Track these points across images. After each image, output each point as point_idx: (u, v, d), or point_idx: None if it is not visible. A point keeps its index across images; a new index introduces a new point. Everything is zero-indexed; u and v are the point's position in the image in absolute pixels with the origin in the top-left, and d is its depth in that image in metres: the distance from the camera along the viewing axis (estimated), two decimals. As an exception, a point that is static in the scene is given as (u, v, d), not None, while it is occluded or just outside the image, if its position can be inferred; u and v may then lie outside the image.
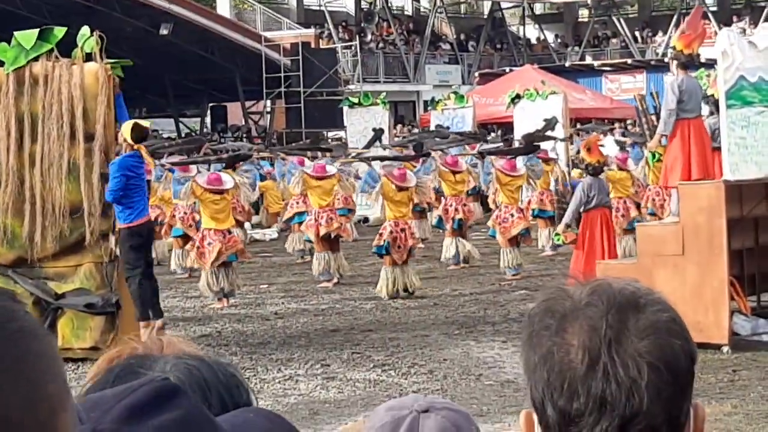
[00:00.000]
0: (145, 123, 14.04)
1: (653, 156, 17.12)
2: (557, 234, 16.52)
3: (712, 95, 14.18)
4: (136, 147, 12.93)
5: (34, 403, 1.12)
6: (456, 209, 20.11)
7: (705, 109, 15.53)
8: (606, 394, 1.62)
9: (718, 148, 12.84)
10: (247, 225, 25.20)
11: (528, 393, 1.72)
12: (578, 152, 19.18)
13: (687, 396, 1.67)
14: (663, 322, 1.66)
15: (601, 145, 16.55)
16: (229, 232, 16.69)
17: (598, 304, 1.66)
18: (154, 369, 1.66)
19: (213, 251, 16.08)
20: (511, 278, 18.36)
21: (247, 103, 43.00)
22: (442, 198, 20.91)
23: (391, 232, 16.97)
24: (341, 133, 38.32)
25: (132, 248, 13.06)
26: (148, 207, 14.20)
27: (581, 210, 15.69)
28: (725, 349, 11.85)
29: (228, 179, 16.82)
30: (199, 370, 1.68)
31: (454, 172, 20.56)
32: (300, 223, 20.86)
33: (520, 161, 20.55)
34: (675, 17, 47.71)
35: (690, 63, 13.53)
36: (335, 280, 18.33)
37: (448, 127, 29.51)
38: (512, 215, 18.98)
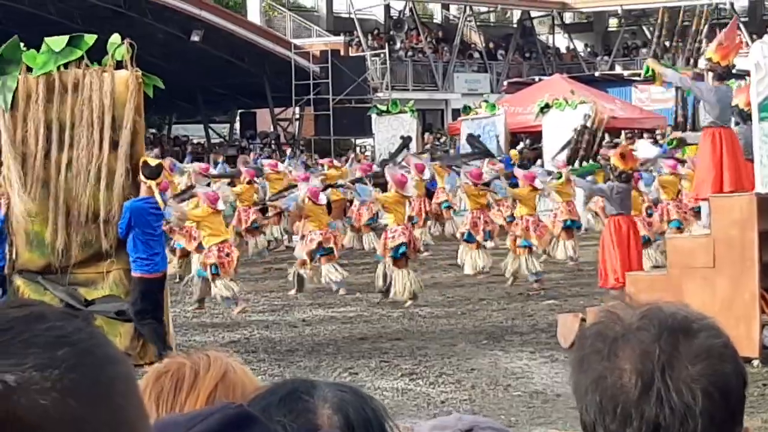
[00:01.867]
0: (155, 160, 13.63)
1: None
2: None
3: (737, 105, 14.12)
4: (148, 184, 12.42)
5: (118, 428, 1.12)
6: (485, 221, 20.14)
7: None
8: (660, 419, 1.61)
9: (750, 160, 12.77)
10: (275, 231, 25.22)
11: (577, 416, 1.71)
12: (608, 160, 19.11)
13: (738, 420, 1.66)
14: (716, 347, 1.65)
15: (634, 150, 16.50)
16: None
17: (649, 328, 1.66)
18: (316, 396, 1.69)
19: (233, 260, 16.33)
20: (537, 287, 18.29)
21: (276, 110, 43.08)
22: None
23: (403, 235, 17.14)
24: (369, 141, 38.42)
25: (145, 297, 12.47)
26: (166, 258, 13.52)
27: (597, 198, 15.79)
28: (755, 362, 11.77)
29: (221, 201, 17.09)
30: (350, 401, 1.71)
31: (477, 185, 20.64)
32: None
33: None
34: (705, 28, 47.49)
35: (726, 74, 13.48)
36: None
37: (479, 135, 29.47)
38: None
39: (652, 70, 14.80)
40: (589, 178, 19.55)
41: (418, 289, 17.04)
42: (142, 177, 12.45)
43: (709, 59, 13.56)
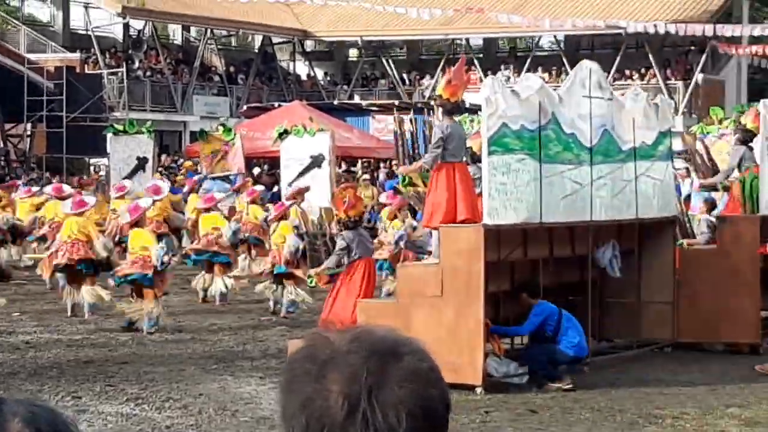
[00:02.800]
0: None
1: (403, 179, 17.32)
2: (310, 276, 16.43)
3: (470, 147, 14.48)
4: None
5: None
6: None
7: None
8: None
9: (480, 194, 13.10)
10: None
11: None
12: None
13: None
14: (422, 370, 1.66)
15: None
16: None
17: (359, 351, 1.65)
18: (5, 410, 1.63)
19: None
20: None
21: (7, 126, 41.81)
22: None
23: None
24: (104, 160, 37.70)
25: None
26: None
27: (344, 261, 15.20)
28: (479, 390, 12.06)
29: None
30: (41, 415, 1.64)
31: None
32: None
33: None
34: (442, 62, 48.74)
35: (455, 110, 13.80)
36: None
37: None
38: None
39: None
40: None
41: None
42: None
43: (439, 96, 13.84)
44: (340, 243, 14.76)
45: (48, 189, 23.29)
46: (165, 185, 23.06)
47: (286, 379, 1.69)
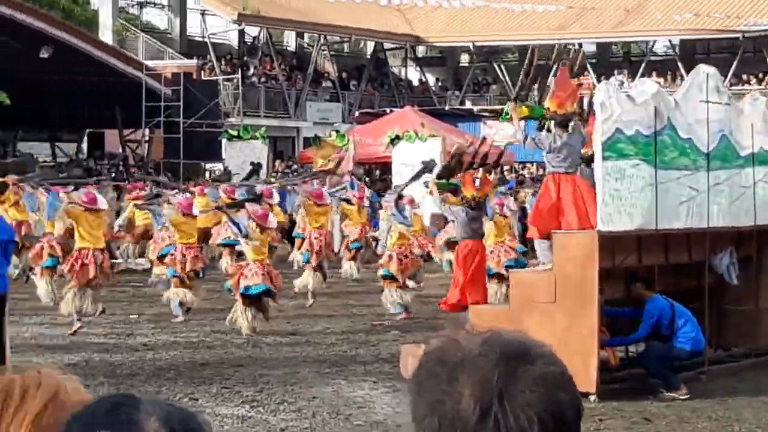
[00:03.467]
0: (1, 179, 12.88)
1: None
2: None
3: (585, 152, 14.42)
4: None
5: None
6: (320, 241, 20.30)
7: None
8: None
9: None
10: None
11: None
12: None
13: None
14: (552, 374, 1.67)
15: (477, 178, 16.64)
16: (103, 252, 16.89)
17: (489, 354, 1.67)
18: (141, 410, 1.68)
19: (89, 271, 16.24)
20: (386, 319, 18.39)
21: (126, 131, 42.52)
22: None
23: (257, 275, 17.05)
24: (219, 165, 38.18)
25: None
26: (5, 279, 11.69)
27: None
28: (592, 397, 11.98)
29: (102, 199, 17.26)
30: (176, 415, 1.70)
31: (319, 205, 20.76)
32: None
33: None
34: (555, 66, 48.47)
35: (567, 121, 13.68)
36: None
37: None
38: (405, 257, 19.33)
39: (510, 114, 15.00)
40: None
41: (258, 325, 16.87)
42: None
43: (548, 108, 13.82)
44: (462, 216, 15.48)
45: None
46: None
47: (416, 381, 1.71)
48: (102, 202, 17.28)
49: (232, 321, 16.58)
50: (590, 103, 14.45)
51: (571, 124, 13.66)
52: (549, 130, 14.02)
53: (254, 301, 16.58)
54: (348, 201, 24.48)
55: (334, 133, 33.86)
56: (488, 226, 19.13)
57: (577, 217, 13.18)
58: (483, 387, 1.64)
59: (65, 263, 16.97)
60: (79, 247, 16.73)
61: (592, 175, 13.33)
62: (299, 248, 22.11)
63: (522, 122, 14.83)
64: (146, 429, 1.65)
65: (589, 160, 14.17)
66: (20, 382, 2.01)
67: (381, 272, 19.17)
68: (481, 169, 17.96)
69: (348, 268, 23.40)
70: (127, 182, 32.78)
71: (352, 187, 26.95)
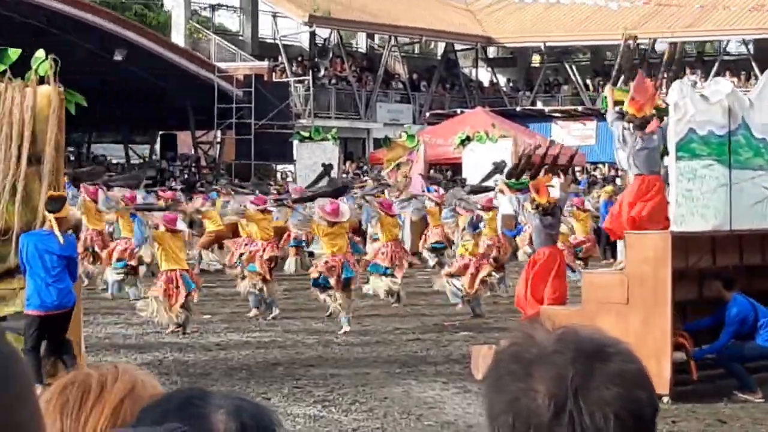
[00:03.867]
0: (58, 193, 12.82)
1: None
2: None
3: None
4: (48, 218, 11.70)
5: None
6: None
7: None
8: None
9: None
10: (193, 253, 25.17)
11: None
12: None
13: None
14: (630, 372, 1.66)
15: (551, 186, 16.57)
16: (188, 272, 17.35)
17: (565, 351, 1.66)
18: (210, 403, 1.70)
19: (181, 294, 16.59)
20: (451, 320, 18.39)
21: (198, 133, 42.87)
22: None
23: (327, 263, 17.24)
24: (290, 167, 38.36)
25: (26, 333, 11.71)
26: (67, 294, 12.00)
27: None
28: (666, 399, 11.89)
29: (181, 221, 17.69)
30: (245, 408, 1.71)
31: (390, 215, 20.70)
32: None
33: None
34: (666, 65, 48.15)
35: (645, 124, 13.60)
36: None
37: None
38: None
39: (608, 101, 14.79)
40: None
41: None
42: (44, 211, 11.83)
43: (626, 112, 13.75)
44: (537, 223, 15.40)
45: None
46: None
47: (491, 377, 1.71)
48: (181, 224, 17.49)
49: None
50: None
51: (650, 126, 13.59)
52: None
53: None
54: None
55: (404, 135, 33.86)
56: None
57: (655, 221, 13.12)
58: (558, 384, 1.64)
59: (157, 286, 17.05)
60: (166, 270, 16.89)
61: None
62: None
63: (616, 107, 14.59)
64: (215, 422, 1.66)
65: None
66: (98, 377, 2.04)
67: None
68: (558, 174, 17.89)
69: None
70: (199, 184, 33.07)
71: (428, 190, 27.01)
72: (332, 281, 17.05)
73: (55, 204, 11.83)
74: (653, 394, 1.70)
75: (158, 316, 16.59)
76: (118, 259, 20.83)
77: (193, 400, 1.70)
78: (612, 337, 1.72)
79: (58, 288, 11.80)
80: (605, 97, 14.83)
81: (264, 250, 18.76)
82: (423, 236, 25.49)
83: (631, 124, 13.58)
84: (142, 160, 46.03)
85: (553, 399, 1.63)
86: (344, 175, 35.43)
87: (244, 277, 19.27)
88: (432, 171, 33.51)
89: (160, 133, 46.89)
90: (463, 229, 19.88)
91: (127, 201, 21.29)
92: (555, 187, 16.57)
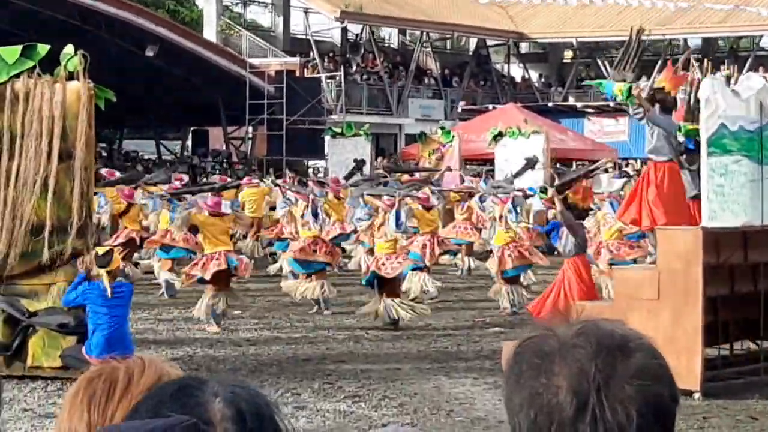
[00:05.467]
0: (104, 248, 12.72)
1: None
2: None
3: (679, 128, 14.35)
4: (100, 273, 11.86)
5: None
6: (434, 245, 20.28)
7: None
8: None
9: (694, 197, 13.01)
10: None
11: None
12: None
13: None
14: (652, 367, 1.65)
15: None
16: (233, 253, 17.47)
17: (586, 345, 1.66)
18: (206, 391, 1.69)
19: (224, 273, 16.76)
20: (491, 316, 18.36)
21: (229, 129, 42.96)
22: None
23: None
24: (322, 162, 38.40)
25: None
26: (126, 348, 11.69)
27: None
28: (696, 395, 11.84)
29: (227, 203, 17.75)
30: (242, 395, 1.70)
31: (427, 208, 20.67)
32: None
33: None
34: (659, 63, 47.97)
35: (673, 106, 13.63)
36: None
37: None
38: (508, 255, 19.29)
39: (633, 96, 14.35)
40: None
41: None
42: (94, 265, 11.95)
43: (661, 88, 13.70)
44: (569, 231, 15.27)
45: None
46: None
47: (511, 372, 1.70)
48: (226, 207, 17.57)
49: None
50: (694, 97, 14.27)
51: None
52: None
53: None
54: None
55: (439, 130, 33.87)
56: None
57: (672, 213, 13.17)
58: (580, 379, 1.63)
59: (196, 268, 17.09)
60: (209, 253, 16.97)
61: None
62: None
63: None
64: (211, 410, 1.65)
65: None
66: (125, 370, 2.05)
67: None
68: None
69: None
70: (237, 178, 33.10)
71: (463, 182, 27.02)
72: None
73: (104, 259, 11.91)
74: (675, 389, 1.69)
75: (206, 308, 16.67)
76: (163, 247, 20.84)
77: (189, 389, 1.69)
78: (634, 331, 1.71)
79: (101, 338, 11.79)
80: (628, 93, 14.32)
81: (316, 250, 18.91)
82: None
83: (658, 105, 13.56)
84: (173, 156, 46.19)
85: (575, 395, 1.63)
86: (376, 171, 35.46)
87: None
88: (466, 166, 33.44)
89: (192, 128, 47.04)
90: (500, 217, 19.76)
91: (126, 198, 21.47)
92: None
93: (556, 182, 21.69)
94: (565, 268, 15.32)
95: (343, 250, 23.97)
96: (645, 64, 53.51)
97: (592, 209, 21.50)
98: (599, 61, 53.84)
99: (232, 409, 1.66)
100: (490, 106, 44.90)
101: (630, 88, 13.89)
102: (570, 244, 15.47)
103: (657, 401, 1.64)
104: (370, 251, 20.36)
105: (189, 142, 47.59)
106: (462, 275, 23.73)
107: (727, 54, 54.60)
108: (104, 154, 39.99)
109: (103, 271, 11.83)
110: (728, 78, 19.96)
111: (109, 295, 11.72)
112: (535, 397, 1.65)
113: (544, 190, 21.13)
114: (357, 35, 51.00)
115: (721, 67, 50.31)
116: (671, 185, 13.57)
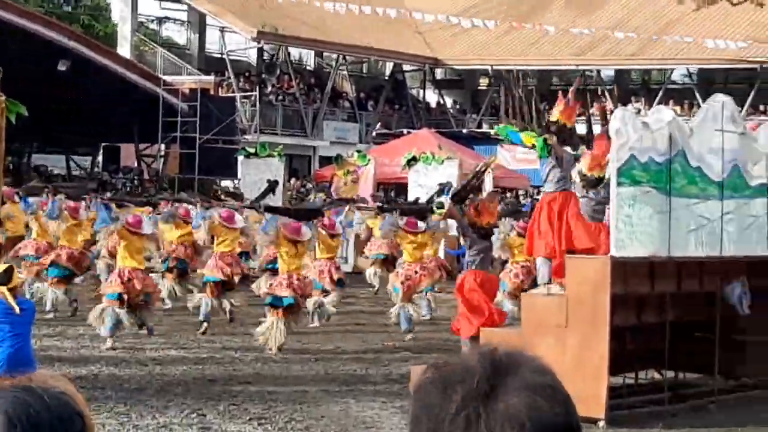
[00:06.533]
0: (3, 265, 12.46)
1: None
2: None
3: (580, 170, 14.60)
4: (2, 291, 11.34)
5: None
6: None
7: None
8: None
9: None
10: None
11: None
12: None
13: None
14: (540, 384, 1.71)
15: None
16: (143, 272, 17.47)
17: (482, 363, 1.73)
18: None
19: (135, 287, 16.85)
20: (396, 340, 18.36)
21: (141, 146, 42.58)
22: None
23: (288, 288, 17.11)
24: (234, 183, 38.21)
25: None
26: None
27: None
28: (601, 423, 11.94)
29: (148, 222, 17.92)
30: (27, 400, 1.64)
31: (332, 235, 20.47)
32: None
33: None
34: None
35: (570, 137, 13.90)
36: None
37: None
38: (416, 272, 19.42)
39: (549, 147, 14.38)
40: None
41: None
42: None
43: (555, 122, 13.94)
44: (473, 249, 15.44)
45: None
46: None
47: (416, 387, 1.77)
48: (147, 227, 17.64)
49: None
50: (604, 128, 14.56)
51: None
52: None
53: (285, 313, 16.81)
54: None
55: (356, 153, 33.91)
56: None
57: (578, 238, 13.45)
58: (471, 394, 1.69)
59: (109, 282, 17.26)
60: (122, 267, 17.16)
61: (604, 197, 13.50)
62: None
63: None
64: None
65: (594, 183, 14.40)
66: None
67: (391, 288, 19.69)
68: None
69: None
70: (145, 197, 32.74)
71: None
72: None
73: (3, 276, 11.64)
74: (567, 406, 1.73)
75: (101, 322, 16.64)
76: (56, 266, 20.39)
77: None
78: (531, 354, 1.78)
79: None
80: (542, 147, 14.38)
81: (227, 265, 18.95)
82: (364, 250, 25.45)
83: (555, 137, 13.81)
84: (83, 172, 45.66)
85: (464, 409, 1.68)
86: (288, 193, 35.39)
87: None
88: (376, 191, 33.51)
89: (103, 144, 46.54)
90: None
91: (72, 211, 21.03)
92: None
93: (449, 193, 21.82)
94: (466, 278, 15.56)
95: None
96: (556, 95, 54.24)
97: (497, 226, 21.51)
98: (514, 89, 54.28)
99: (2, 416, 1.61)
100: (405, 131, 45.06)
101: (545, 140, 14.07)
102: (469, 255, 15.78)
103: (543, 416, 1.69)
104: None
105: (100, 158, 47.07)
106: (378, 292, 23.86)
107: (639, 86, 55.39)
108: (11, 167, 39.40)
109: (4, 288, 11.57)
110: (639, 110, 20.29)
111: (17, 311, 11.47)
112: (430, 409, 1.72)
113: (440, 206, 21.25)
114: (273, 56, 50.91)
115: (633, 99, 51.13)
116: (573, 207, 13.86)
